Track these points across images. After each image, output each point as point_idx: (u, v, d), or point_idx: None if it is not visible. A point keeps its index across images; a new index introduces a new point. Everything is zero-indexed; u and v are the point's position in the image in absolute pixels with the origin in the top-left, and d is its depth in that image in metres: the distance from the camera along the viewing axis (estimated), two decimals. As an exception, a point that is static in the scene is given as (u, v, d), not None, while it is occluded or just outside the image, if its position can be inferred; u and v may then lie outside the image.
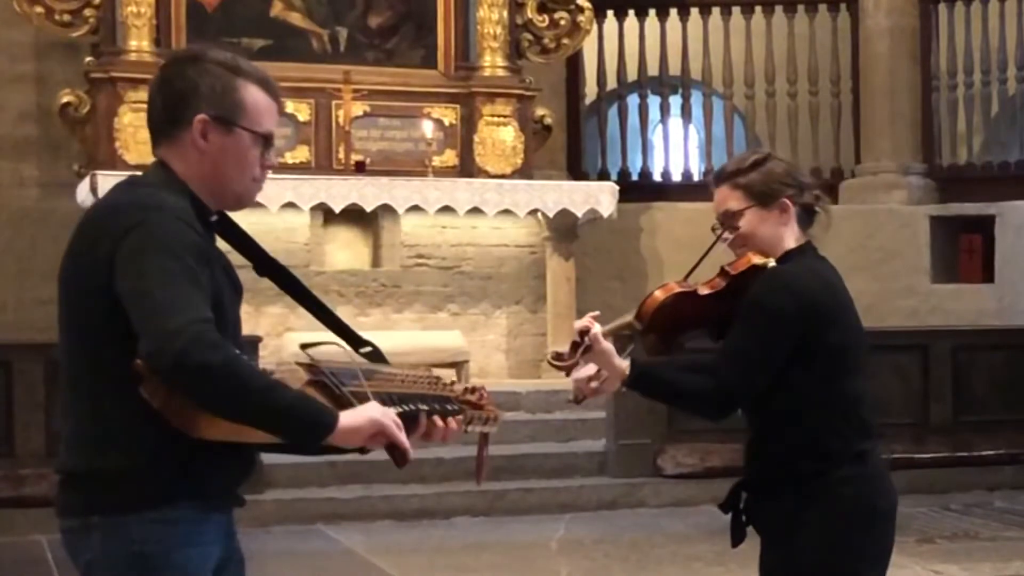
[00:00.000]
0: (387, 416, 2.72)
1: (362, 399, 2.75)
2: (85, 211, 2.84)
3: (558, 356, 3.34)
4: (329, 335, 2.99)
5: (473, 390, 2.99)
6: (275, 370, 2.78)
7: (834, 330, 3.32)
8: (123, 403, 2.67)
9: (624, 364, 3.31)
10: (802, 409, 3.31)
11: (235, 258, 2.95)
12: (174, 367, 2.55)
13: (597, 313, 3.36)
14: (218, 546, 2.84)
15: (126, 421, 2.69)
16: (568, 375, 3.34)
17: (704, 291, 3.37)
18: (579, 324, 3.30)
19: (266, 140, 2.88)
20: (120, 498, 2.71)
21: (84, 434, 2.76)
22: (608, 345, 3.29)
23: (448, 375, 3.09)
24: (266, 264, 3.01)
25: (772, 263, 3.37)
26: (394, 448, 2.74)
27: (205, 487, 2.76)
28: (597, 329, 3.29)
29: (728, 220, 3.41)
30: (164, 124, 2.86)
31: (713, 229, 3.45)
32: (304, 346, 2.87)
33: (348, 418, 2.69)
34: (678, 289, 3.37)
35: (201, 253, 2.71)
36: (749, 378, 3.28)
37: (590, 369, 3.36)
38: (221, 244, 2.93)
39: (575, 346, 3.29)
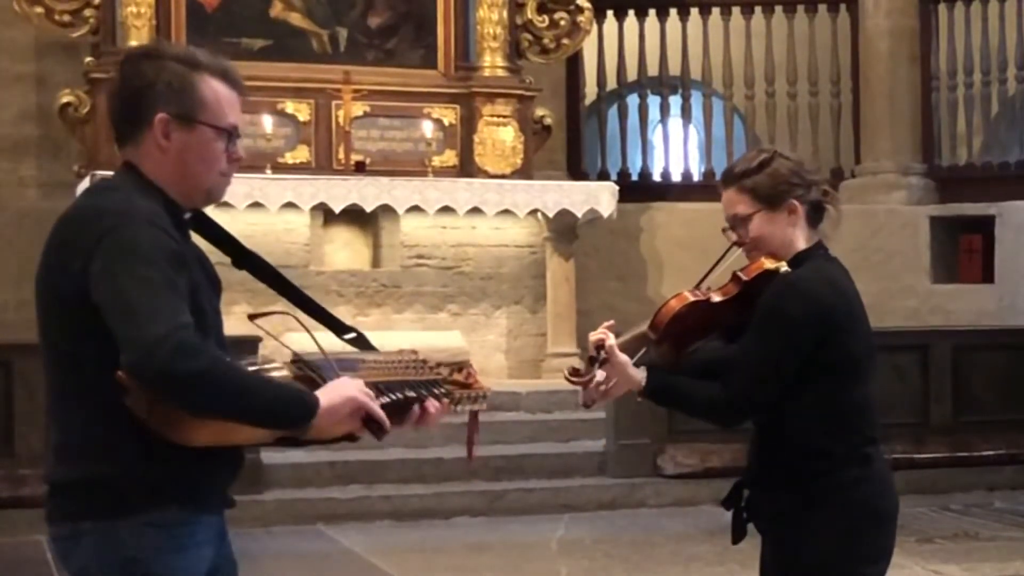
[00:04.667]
0: (360, 391, 2.73)
1: None
2: (56, 220, 2.79)
3: (575, 372, 3.37)
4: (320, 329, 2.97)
5: (460, 368, 2.99)
6: (261, 367, 2.77)
7: (845, 340, 3.31)
8: (106, 412, 2.66)
9: (640, 376, 3.33)
10: (808, 415, 3.29)
11: (215, 256, 2.93)
12: (157, 377, 2.54)
13: (612, 323, 3.37)
14: (210, 548, 2.83)
15: (110, 429, 2.68)
16: (585, 389, 3.35)
17: (717, 298, 3.36)
18: (594, 337, 3.32)
19: (230, 133, 2.83)
20: (109, 504, 2.70)
21: (69, 443, 2.75)
22: (624, 357, 3.31)
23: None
24: (244, 257, 3.00)
25: (784, 267, 3.35)
26: (371, 421, 2.74)
27: (194, 489, 2.75)
28: (612, 341, 3.30)
29: (737, 224, 3.40)
30: (126, 125, 2.82)
31: (724, 230, 3.44)
32: (251, 316, 2.89)
33: (325, 398, 2.70)
34: (691, 298, 3.35)
35: (176, 257, 2.68)
36: (760, 387, 3.28)
37: (599, 375, 3.36)
38: (201, 243, 2.91)
39: (591, 360, 3.31)
